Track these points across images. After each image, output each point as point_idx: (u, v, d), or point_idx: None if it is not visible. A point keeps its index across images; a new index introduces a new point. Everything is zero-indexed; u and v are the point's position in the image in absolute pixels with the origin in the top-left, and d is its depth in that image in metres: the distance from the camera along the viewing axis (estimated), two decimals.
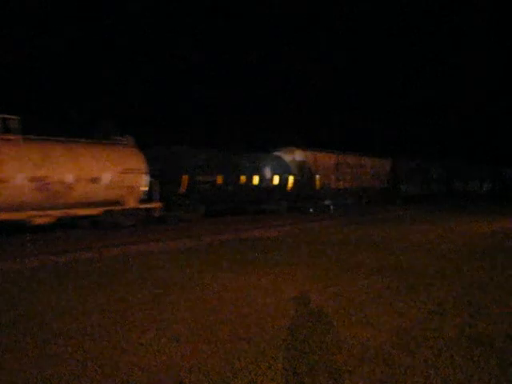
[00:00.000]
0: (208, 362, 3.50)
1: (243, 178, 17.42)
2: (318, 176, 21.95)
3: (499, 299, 5.17)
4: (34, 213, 10.86)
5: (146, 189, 13.50)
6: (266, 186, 18.62)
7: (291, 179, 20.19)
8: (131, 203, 13.03)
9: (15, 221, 10.78)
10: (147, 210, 13.56)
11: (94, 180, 12.03)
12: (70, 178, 11.48)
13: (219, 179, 16.42)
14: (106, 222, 12.68)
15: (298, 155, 21.35)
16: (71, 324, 4.50)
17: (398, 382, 3.12)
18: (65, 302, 5.36)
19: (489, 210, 21.83)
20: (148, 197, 13.69)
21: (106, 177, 12.36)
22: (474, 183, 42.41)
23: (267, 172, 18.69)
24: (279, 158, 20.68)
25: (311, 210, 21.27)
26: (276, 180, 19.21)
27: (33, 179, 10.73)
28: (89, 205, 12.02)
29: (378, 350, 3.67)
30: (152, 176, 13.68)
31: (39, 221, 11.02)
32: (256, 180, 18.10)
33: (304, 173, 21.07)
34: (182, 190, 15.08)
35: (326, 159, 23.05)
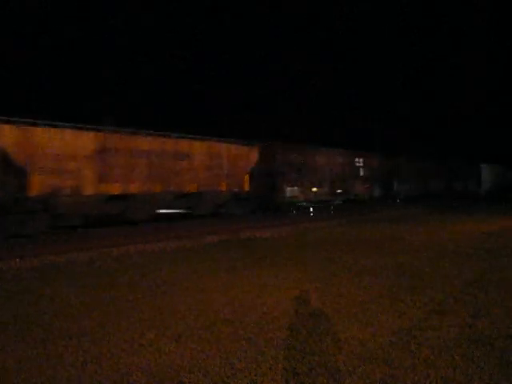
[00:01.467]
0: (208, 362, 3.50)
1: None
2: (33, 173, 11.77)
3: (499, 299, 5.17)
4: None
5: None
6: None
7: None
8: None
9: None
10: None
11: None
12: None
13: None
14: None
15: None
16: (71, 324, 4.50)
17: (398, 382, 3.12)
18: (65, 301, 5.36)
19: None
20: None
21: None
22: (438, 184, 34.09)
23: None
24: None
25: (294, 212, 17.37)
26: None
27: None
28: None
29: (377, 350, 3.67)
30: None
31: None
32: None
33: None
34: None
35: (68, 141, 12.54)
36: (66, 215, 12.75)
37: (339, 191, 23.39)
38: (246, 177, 18.29)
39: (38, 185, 12.23)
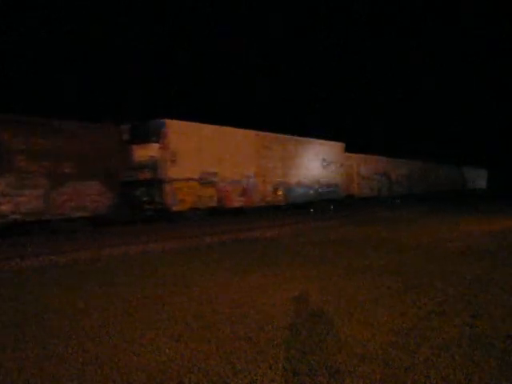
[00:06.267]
0: (208, 362, 3.50)
1: None
2: None
3: (499, 299, 5.17)
4: None
5: None
6: None
7: None
8: None
9: None
10: None
11: None
12: None
13: None
14: None
15: None
16: (71, 324, 4.50)
17: (398, 382, 3.12)
18: (65, 301, 5.36)
19: None
20: None
21: None
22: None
23: None
24: None
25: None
26: None
27: None
28: None
29: (377, 350, 3.67)
30: None
31: None
32: None
33: None
34: None
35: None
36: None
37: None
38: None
39: None
